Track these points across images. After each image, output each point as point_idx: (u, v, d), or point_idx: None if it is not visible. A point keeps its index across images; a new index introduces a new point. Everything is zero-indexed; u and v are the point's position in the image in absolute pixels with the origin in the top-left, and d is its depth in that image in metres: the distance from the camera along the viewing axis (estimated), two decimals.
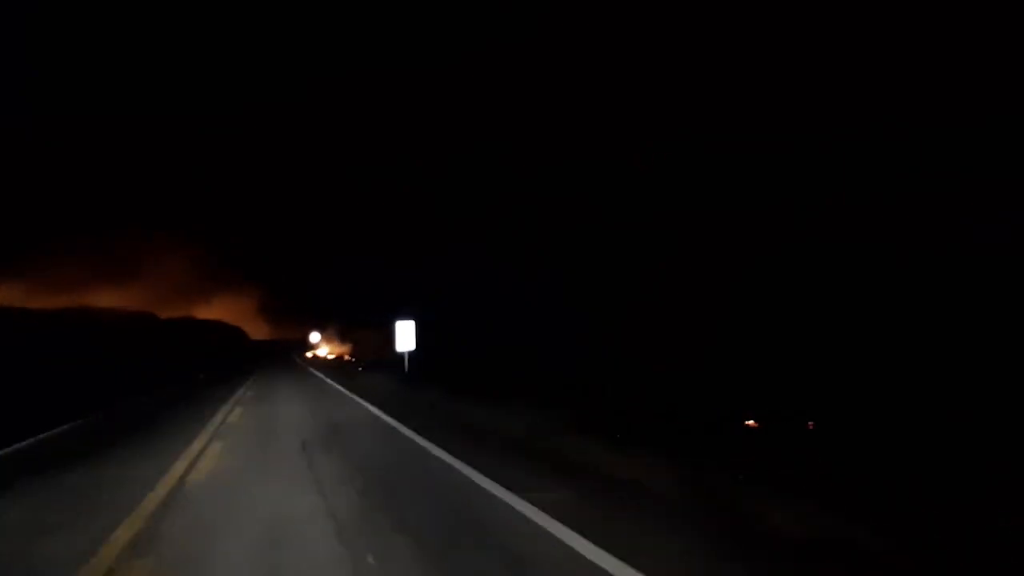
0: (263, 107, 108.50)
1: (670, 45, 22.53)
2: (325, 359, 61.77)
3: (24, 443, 9.30)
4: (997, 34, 13.51)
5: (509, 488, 5.46)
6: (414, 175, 47.95)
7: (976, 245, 13.06)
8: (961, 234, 13.44)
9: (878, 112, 15.76)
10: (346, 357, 61.42)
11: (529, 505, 4.94)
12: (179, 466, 6.97)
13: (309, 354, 74.73)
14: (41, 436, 9.99)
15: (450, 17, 40.77)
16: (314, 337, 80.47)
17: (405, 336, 19.12)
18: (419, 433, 9.01)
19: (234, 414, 12.78)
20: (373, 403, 14.03)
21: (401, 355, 19.55)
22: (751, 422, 11.38)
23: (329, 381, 24.31)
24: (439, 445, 7.86)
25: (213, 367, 41.14)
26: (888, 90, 15.79)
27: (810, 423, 11.63)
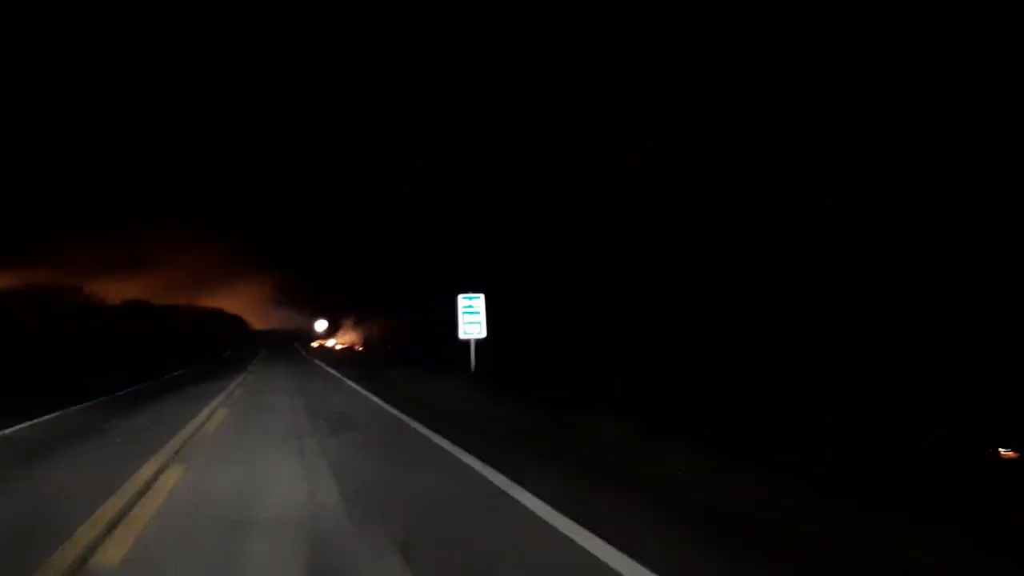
0: (263, 107, 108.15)
1: (669, 45, 22.51)
2: (333, 349, 60.86)
3: None
4: (997, 34, 13.51)
5: None
6: (414, 175, 47.76)
7: (976, 245, 13.06)
8: (961, 234, 13.44)
9: (878, 112, 15.76)
10: (357, 348, 60.83)
11: None
12: None
13: (315, 344, 72.96)
14: None
15: (450, 17, 40.64)
16: (320, 325, 77.24)
17: (473, 317, 11.89)
18: None
19: (170, 477, 6.20)
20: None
21: (464, 343, 11.83)
22: (1007, 451, 7.58)
23: (353, 385, 18.11)
24: None
25: (200, 362, 39.87)
26: (888, 90, 15.78)
27: None
